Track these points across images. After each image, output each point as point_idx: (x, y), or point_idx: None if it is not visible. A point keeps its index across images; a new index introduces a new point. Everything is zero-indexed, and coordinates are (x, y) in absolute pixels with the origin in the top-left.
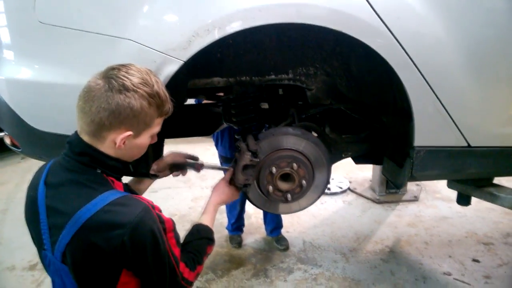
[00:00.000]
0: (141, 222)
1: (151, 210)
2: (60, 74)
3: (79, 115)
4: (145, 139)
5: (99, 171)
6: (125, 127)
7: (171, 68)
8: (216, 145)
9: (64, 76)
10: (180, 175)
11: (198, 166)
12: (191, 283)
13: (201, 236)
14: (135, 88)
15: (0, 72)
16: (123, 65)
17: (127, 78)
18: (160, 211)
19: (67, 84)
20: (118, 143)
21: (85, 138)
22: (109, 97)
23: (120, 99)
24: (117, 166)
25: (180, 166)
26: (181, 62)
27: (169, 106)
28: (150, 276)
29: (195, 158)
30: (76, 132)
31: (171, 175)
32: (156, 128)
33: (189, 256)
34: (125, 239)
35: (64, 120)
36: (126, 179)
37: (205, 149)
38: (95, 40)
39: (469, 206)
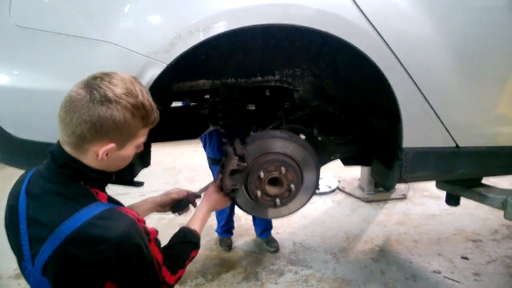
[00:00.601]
0: (126, 236)
1: (136, 223)
2: (39, 79)
3: (60, 126)
4: (129, 151)
5: (82, 182)
6: (108, 139)
7: (154, 71)
8: (204, 147)
9: (42, 81)
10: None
11: (192, 198)
12: (171, 286)
13: (186, 239)
14: (117, 99)
15: None
16: (106, 74)
17: (110, 88)
18: (145, 222)
19: (45, 90)
20: (100, 155)
21: (67, 149)
22: (90, 108)
23: (102, 111)
24: (100, 178)
25: (182, 202)
26: (164, 65)
27: (154, 116)
28: (134, 284)
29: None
30: (58, 142)
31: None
32: (141, 138)
33: (171, 259)
34: (110, 254)
35: (43, 127)
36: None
37: (193, 151)
38: (74, 43)
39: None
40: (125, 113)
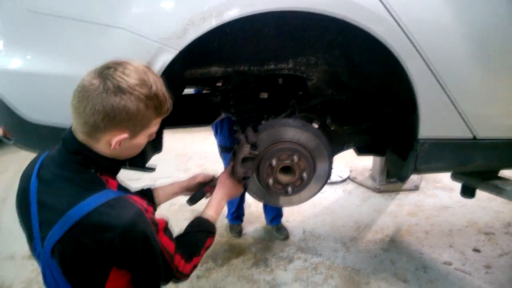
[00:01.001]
0: (133, 225)
1: (143, 213)
2: (51, 64)
3: (73, 115)
4: (141, 139)
5: (92, 170)
6: (121, 129)
7: (166, 57)
8: (215, 135)
9: (55, 66)
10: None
11: (207, 188)
12: (186, 275)
13: (200, 229)
14: (131, 90)
15: None
16: (119, 63)
17: (123, 78)
18: (153, 213)
19: (58, 75)
20: (113, 145)
21: (80, 136)
22: (104, 99)
23: (115, 102)
24: (112, 166)
25: (197, 194)
26: (177, 52)
27: (168, 106)
28: (144, 275)
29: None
30: (70, 128)
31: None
32: (153, 128)
33: (186, 248)
34: (116, 242)
35: (56, 111)
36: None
37: (204, 138)
38: (86, 28)
39: None
40: (139, 103)
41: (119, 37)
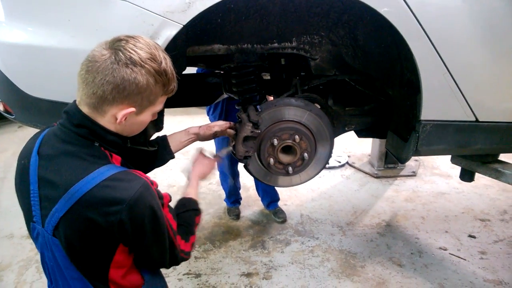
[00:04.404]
0: (140, 198)
1: (150, 186)
2: (54, 37)
3: (80, 85)
4: (146, 117)
5: (96, 144)
6: (128, 103)
7: (170, 32)
8: (208, 113)
9: (57, 39)
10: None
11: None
12: (188, 253)
13: (187, 208)
14: (142, 63)
15: None
16: (131, 37)
17: (135, 51)
18: (158, 186)
19: (60, 48)
20: (119, 118)
21: (84, 109)
22: (114, 70)
23: (126, 74)
24: (116, 141)
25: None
26: (180, 26)
27: (174, 85)
28: (150, 252)
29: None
30: (74, 101)
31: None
32: (158, 106)
33: (182, 228)
34: (124, 216)
35: (58, 86)
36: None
37: (204, 121)
38: (89, 1)
39: (466, 183)
40: (149, 78)
41: (123, 10)
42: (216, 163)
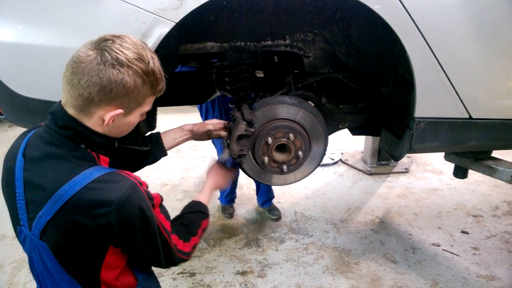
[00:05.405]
0: (128, 199)
1: (138, 186)
2: (43, 35)
3: (65, 87)
4: (135, 117)
5: (82, 146)
6: (116, 104)
7: (162, 30)
8: (201, 114)
9: (46, 38)
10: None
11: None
12: (187, 254)
13: (194, 210)
14: (129, 63)
15: None
16: (117, 36)
17: (122, 52)
18: (147, 187)
19: (50, 46)
20: (107, 120)
21: (70, 111)
22: (101, 71)
23: (113, 75)
24: (103, 143)
25: None
26: (173, 24)
27: (163, 85)
28: (143, 253)
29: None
30: (59, 103)
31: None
32: (147, 106)
33: (182, 228)
34: (112, 218)
35: (48, 85)
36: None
37: (196, 119)
38: None
39: (459, 179)
40: (136, 78)
41: (113, 8)
42: (232, 174)
